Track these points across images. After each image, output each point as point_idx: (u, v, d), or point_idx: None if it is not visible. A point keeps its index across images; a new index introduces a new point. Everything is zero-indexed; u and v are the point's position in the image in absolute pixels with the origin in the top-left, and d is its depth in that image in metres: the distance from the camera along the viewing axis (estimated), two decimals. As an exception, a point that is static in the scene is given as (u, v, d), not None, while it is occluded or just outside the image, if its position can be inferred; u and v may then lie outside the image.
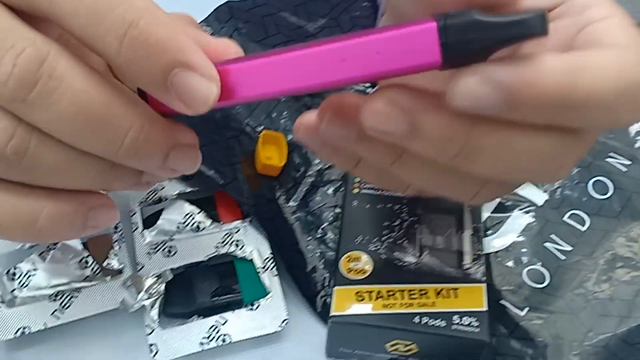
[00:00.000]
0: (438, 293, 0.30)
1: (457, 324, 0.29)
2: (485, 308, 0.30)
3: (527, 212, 0.37)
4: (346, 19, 0.48)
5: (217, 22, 0.46)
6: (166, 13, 0.18)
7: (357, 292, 0.30)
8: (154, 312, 0.31)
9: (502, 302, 0.34)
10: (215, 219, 0.35)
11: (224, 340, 0.31)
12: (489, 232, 0.36)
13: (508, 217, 0.37)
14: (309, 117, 0.23)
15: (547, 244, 0.36)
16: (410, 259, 0.32)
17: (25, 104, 0.17)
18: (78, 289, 0.32)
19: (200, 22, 0.45)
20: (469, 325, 0.29)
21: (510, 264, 0.35)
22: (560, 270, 0.35)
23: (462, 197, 0.24)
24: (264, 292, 0.32)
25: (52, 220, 0.20)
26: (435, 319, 0.29)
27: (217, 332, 0.31)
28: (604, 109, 0.19)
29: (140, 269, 0.33)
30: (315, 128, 0.22)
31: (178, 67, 0.18)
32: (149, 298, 0.31)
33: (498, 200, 0.38)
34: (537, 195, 0.38)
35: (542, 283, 0.35)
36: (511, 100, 0.18)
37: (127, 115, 0.18)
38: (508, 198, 0.38)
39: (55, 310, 0.31)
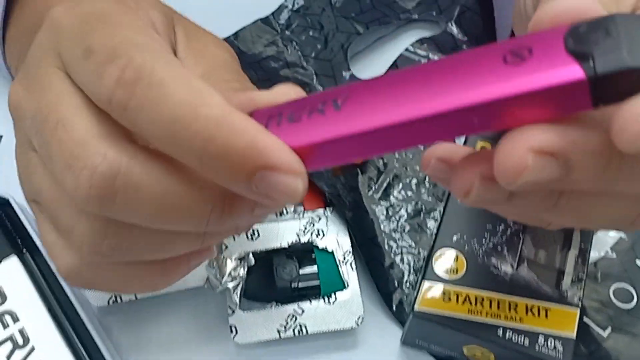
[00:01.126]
0: (528, 310, 0.30)
1: (542, 345, 0.29)
2: (574, 335, 0.29)
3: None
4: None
5: (311, -7, 0.45)
6: (239, 114, 0.18)
7: (445, 291, 0.30)
8: (236, 295, 0.32)
9: (585, 319, 0.33)
10: (297, 204, 0.35)
11: (300, 331, 0.31)
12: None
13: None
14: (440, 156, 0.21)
15: (639, 262, 0.34)
16: (507, 268, 0.31)
17: (112, 213, 0.18)
18: (165, 264, 0.33)
19: (294, -7, 0.44)
20: (553, 349, 0.29)
21: (597, 280, 0.34)
22: (650, 292, 0.34)
23: (621, 224, 0.21)
24: (341, 285, 0.33)
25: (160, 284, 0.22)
26: (520, 335, 0.29)
27: (295, 321, 0.32)
28: None
29: (225, 249, 0.33)
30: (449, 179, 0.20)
31: (261, 170, 0.17)
32: (232, 280, 0.32)
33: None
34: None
35: (630, 303, 0.33)
36: None
37: (207, 199, 0.19)
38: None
39: (144, 283, 0.32)
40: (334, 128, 0.18)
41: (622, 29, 0.16)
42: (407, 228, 0.36)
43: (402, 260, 0.35)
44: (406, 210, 0.36)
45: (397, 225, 0.36)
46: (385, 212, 0.36)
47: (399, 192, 0.37)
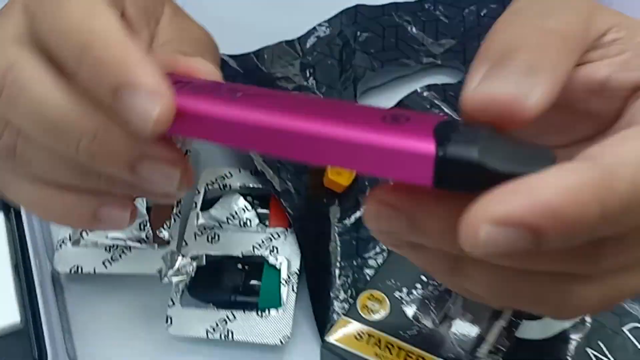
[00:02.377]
0: (433, 366, 0.30)
1: (433, 404, 0.29)
2: (469, 401, 0.29)
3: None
4: (474, 46, 0.46)
5: (339, 24, 0.47)
6: (126, 34, 0.19)
7: (360, 330, 0.31)
8: (179, 289, 0.34)
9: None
10: (264, 218, 0.37)
11: (226, 336, 0.33)
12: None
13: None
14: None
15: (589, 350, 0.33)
16: (428, 322, 0.31)
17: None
18: (129, 248, 0.36)
19: (324, 22, 0.47)
20: (447, 410, 0.29)
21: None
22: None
23: (543, 306, 0.20)
24: (278, 304, 0.34)
25: (62, 213, 0.23)
26: (416, 390, 0.29)
27: (225, 326, 0.33)
28: None
29: (184, 246, 0.36)
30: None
31: (122, 88, 0.18)
32: (178, 275, 0.35)
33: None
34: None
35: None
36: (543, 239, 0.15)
37: (82, 123, 0.20)
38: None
39: (105, 260, 0.36)
40: (216, 107, 0.19)
41: (488, 136, 0.17)
42: (367, 265, 0.36)
43: (349, 294, 0.36)
44: (371, 248, 0.37)
45: (357, 260, 0.37)
46: (349, 244, 0.37)
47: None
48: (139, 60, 0.19)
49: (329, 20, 0.47)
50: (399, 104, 0.43)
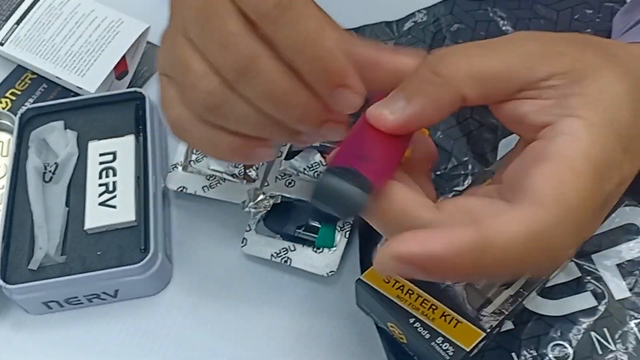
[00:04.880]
0: (443, 315, 0.36)
1: (438, 343, 0.35)
2: (468, 348, 0.35)
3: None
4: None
5: (437, 12, 0.51)
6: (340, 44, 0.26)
7: (389, 276, 0.37)
8: (256, 219, 0.43)
9: None
10: (334, 175, 0.44)
11: (285, 262, 0.41)
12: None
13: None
14: None
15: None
16: (447, 279, 0.37)
17: (238, 83, 0.27)
18: (224, 180, 0.45)
19: (423, 8, 0.52)
20: (445, 350, 0.35)
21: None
22: None
23: None
24: (331, 244, 0.41)
25: (228, 150, 0.30)
26: (425, 330, 0.35)
27: (285, 254, 0.41)
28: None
29: (266, 186, 0.44)
30: None
31: (342, 87, 0.26)
32: (256, 208, 0.43)
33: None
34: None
35: (558, 362, 0.37)
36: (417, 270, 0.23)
37: (300, 99, 0.27)
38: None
39: (205, 186, 0.45)
40: None
41: (339, 184, 0.25)
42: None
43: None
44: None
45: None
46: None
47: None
48: (352, 71, 0.26)
49: (428, 8, 0.51)
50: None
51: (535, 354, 0.37)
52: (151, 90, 0.47)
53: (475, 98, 0.26)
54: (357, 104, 0.27)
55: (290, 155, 0.45)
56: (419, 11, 0.52)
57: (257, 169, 0.45)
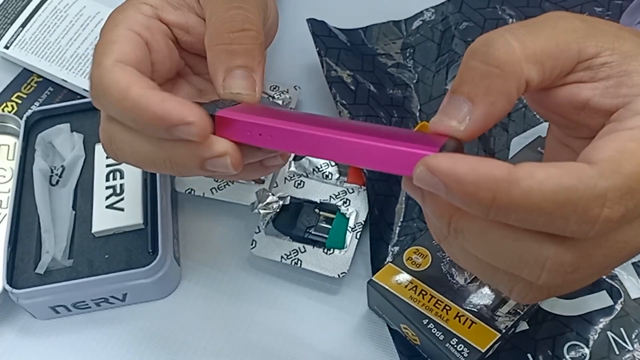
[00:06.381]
0: (457, 316, 0.35)
1: (452, 344, 0.34)
2: (483, 350, 0.34)
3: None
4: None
5: (445, 10, 0.51)
6: None
7: (401, 276, 0.37)
8: (265, 220, 0.42)
9: None
10: (343, 174, 0.44)
11: (295, 263, 0.41)
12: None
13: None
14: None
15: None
16: (460, 280, 0.37)
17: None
18: (233, 181, 0.44)
19: (431, 7, 0.51)
20: (460, 351, 0.34)
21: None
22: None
23: (499, 287, 0.26)
24: (342, 246, 0.41)
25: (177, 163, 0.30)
26: (439, 331, 0.35)
27: (296, 255, 0.41)
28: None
29: (275, 187, 0.44)
30: None
31: (171, 127, 0.27)
32: (266, 209, 0.42)
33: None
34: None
35: (574, 363, 0.36)
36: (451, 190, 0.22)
37: (160, 154, 0.29)
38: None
39: (213, 188, 0.44)
40: (249, 118, 0.28)
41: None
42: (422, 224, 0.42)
43: (406, 245, 0.41)
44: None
45: (419, 218, 0.42)
46: (413, 205, 0.43)
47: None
48: (169, 108, 0.27)
49: (436, 7, 0.51)
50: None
51: (551, 354, 0.37)
52: (158, 92, 0.47)
53: (538, 81, 0.24)
54: (192, 132, 0.27)
55: (299, 156, 0.45)
56: (427, 10, 0.51)
57: (265, 170, 0.44)
